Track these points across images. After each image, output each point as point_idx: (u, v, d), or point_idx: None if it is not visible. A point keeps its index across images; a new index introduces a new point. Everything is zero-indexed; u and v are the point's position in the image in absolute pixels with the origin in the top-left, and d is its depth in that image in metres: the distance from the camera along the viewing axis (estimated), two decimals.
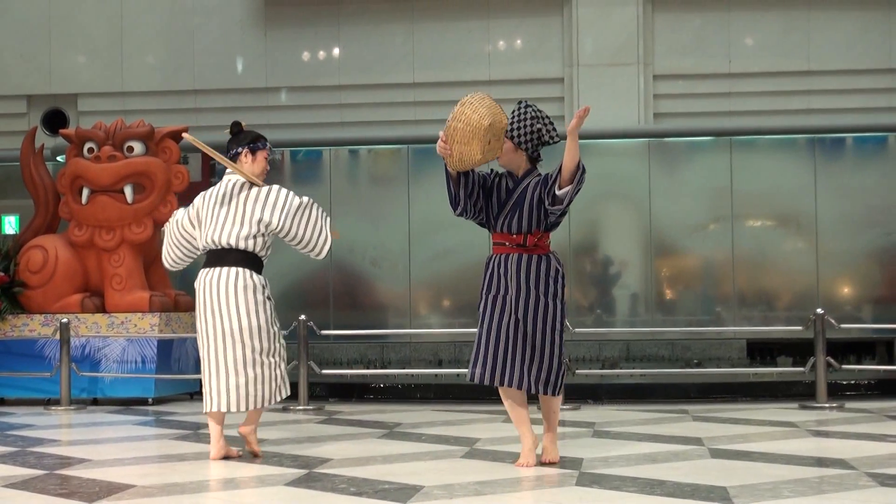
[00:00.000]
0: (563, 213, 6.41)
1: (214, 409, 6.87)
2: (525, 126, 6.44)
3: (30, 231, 11.93)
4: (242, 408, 6.87)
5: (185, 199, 12.49)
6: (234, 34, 15.58)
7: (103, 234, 11.39)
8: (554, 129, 6.51)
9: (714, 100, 15.00)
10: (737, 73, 14.92)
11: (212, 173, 15.46)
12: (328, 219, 7.16)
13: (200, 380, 11.40)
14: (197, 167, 15.12)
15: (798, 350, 13.26)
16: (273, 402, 6.98)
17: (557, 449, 6.59)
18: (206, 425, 9.04)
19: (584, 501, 5.27)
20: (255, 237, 6.90)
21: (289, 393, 7.09)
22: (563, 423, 8.94)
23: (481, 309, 6.49)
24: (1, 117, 15.78)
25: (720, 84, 14.98)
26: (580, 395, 10.56)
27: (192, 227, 7.16)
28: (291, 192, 7.07)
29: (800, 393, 10.60)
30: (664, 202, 14.75)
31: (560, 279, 6.42)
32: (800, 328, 10.94)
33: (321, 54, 15.53)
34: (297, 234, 7.02)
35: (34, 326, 11.34)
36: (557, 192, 6.25)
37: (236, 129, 7.15)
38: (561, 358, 6.39)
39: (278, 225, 6.93)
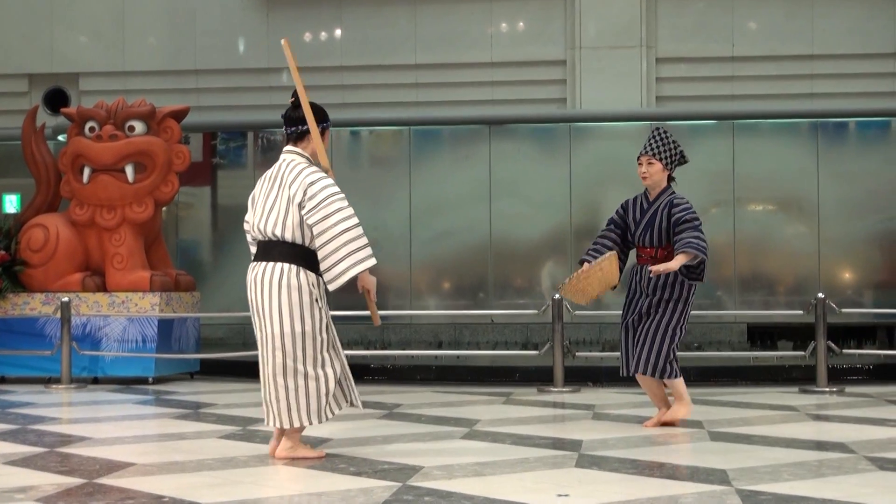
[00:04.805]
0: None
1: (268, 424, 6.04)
2: (670, 149, 7.34)
3: (31, 210, 11.92)
4: (278, 424, 5.99)
5: (186, 178, 12.56)
6: (235, 14, 15.53)
7: (104, 214, 11.38)
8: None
9: (717, 83, 14.94)
10: (740, 56, 14.86)
11: (213, 153, 15.45)
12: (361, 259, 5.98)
13: (200, 360, 11.52)
14: (198, 147, 15.11)
15: (799, 334, 13.25)
16: (318, 421, 6.01)
17: (677, 411, 7.35)
18: (206, 404, 9.06)
19: (582, 483, 5.27)
20: (301, 227, 5.95)
21: (338, 410, 6.17)
22: (562, 406, 8.96)
23: (622, 309, 7.49)
24: (2, 96, 15.77)
25: (723, 67, 14.92)
26: (580, 377, 10.57)
27: (250, 211, 6.20)
28: (335, 188, 6.02)
29: (800, 377, 10.61)
30: None
31: (680, 286, 7.21)
32: (801, 312, 10.92)
33: (323, 35, 15.49)
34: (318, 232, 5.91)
35: (35, 305, 11.34)
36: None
37: (297, 101, 6.26)
38: (668, 349, 7.20)
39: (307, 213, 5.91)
